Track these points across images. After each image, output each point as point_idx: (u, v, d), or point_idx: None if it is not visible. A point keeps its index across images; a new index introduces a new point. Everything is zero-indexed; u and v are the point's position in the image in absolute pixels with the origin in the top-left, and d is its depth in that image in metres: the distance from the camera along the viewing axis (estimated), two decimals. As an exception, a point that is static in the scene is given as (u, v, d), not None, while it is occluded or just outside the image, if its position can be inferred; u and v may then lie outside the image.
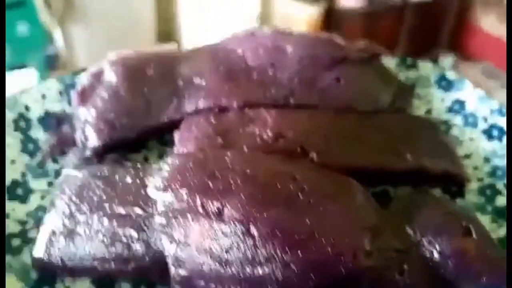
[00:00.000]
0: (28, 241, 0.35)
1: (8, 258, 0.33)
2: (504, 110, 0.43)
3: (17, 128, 0.40)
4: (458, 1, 1.47)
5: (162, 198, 0.30)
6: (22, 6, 1.24)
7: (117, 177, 0.33)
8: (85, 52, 0.35)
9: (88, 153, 0.38)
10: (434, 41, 1.48)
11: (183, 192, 0.30)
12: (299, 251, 0.29)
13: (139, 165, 0.33)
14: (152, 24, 1.51)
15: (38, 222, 0.36)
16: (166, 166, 0.32)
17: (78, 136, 0.38)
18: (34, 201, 0.38)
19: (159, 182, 0.31)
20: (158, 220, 0.30)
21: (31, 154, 0.40)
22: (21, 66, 1.23)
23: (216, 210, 0.29)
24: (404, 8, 1.46)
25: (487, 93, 0.44)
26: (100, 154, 0.38)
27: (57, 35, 1.39)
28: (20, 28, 1.25)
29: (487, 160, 0.42)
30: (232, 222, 0.29)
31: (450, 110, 0.45)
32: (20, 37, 1.26)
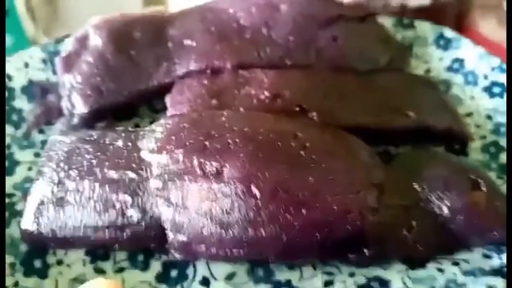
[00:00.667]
0: (16, 214, 0.33)
1: (-4, 232, 0.31)
2: (505, 67, 0.42)
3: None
4: (457, 6, 1.47)
5: (156, 161, 0.29)
6: (5, 17, 1.22)
7: (107, 140, 0.31)
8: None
9: (75, 120, 0.36)
10: None
11: (179, 153, 0.28)
12: (303, 210, 0.27)
13: (130, 129, 0.32)
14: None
15: (25, 194, 0.34)
16: (159, 127, 0.30)
17: (64, 104, 0.36)
18: (20, 172, 0.36)
19: (152, 144, 0.29)
20: (154, 183, 0.29)
21: (16, 125, 0.38)
22: None
23: (215, 171, 0.28)
24: (403, 13, 1.46)
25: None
26: (89, 122, 0.36)
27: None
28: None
29: (489, 117, 0.41)
30: (232, 182, 0.27)
31: (450, 69, 0.44)
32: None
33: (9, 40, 1.29)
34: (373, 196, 0.29)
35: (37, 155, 0.37)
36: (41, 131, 0.38)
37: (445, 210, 0.29)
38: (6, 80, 0.39)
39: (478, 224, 0.29)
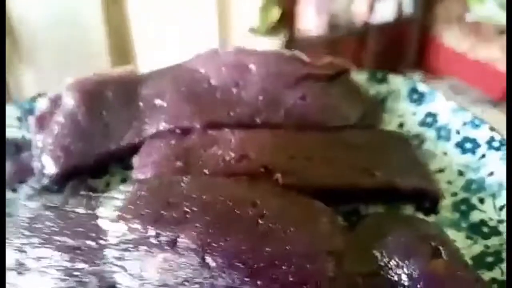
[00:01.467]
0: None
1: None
2: (477, 122, 0.42)
3: (-27, 157, 0.38)
4: (420, 19, 1.50)
5: (114, 229, 0.29)
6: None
7: (68, 207, 0.31)
8: (36, 90, 0.35)
9: (45, 181, 0.36)
10: (400, 61, 1.51)
11: (136, 222, 0.29)
12: (259, 281, 0.27)
13: (92, 194, 0.32)
14: (106, 57, 1.50)
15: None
16: (119, 194, 0.30)
17: (35, 164, 0.37)
18: (-10, 233, 0.36)
19: (110, 213, 0.30)
20: (111, 252, 0.29)
21: (-12, 184, 0.38)
22: None
23: (170, 241, 0.28)
24: (366, 31, 1.48)
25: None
26: (59, 182, 0.37)
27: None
28: None
29: (461, 173, 0.41)
30: (187, 253, 0.28)
31: (423, 123, 0.44)
32: None
33: None
34: (331, 265, 0.29)
35: (9, 215, 0.37)
36: (13, 190, 0.38)
37: (404, 278, 0.29)
38: (-19, 138, 0.39)
39: (437, 294, 0.29)
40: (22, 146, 0.40)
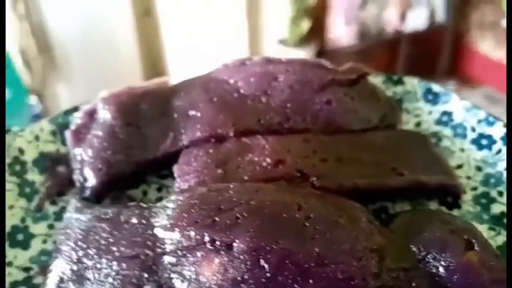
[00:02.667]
0: (34, 288, 0.35)
1: (15, 308, 0.33)
2: (491, 119, 0.44)
3: (12, 172, 0.40)
4: (453, 27, 1.51)
5: (170, 237, 0.31)
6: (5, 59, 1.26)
7: (122, 218, 0.33)
8: (71, 104, 0.37)
9: (87, 193, 0.37)
10: (432, 69, 1.50)
11: (191, 229, 0.30)
12: (310, 280, 0.29)
13: (143, 205, 0.33)
14: (139, 69, 1.54)
15: (42, 268, 0.36)
16: (171, 204, 0.32)
17: (76, 177, 0.38)
18: (35, 246, 0.37)
19: (165, 221, 0.31)
20: (168, 259, 0.30)
21: (29, 198, 0.39)
22: (6, 129, 1.23)
23: (225, 245, 0.30)
24: (399, 40, 1.48)
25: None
26: (100, 193, 0.38)
27: (42, 96, 1.41)
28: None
29: (479, 169, 0.43)
30: (241, 256, 0.29)
31: (439, 122, 0.47)
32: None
33: (8, 92, 1.33)
34: (374, 261, 0.30)
35: (50, 227, 0.38)
36: (53, 203, 0.40)
37: (442, 270, 0.31)
38: (18, 153, 0.41)
39: (473, 283, 0.31)
40: (57, 159, 0.41)
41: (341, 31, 1.40)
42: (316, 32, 1.38)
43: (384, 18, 1.46)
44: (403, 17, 1.45)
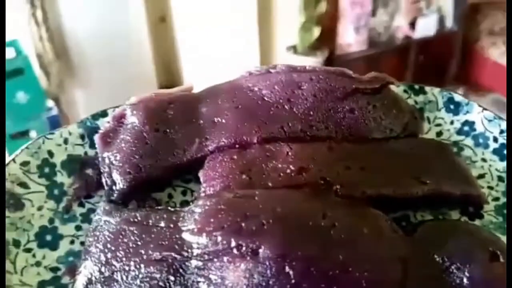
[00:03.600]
0: (62, 288, 0.36)
1: (43, 307, 0.34)
2: (514, 130, 0.44)
3: (42, 174, 0.41)
4: (463, 34, 1.50)
5: (196, 241, 0.31)
6: (21, 74, 1.31)
7: (150, 222, 0.33)
8: (88, 112, 0.38)
9: (115, 196, 0.38)
10: (442, 76, 1.50)
11: (218, 234, 0.31)
12: (334, 287, 0.29)
13: (171, 209, 0.34)
14: (153, 74, 1.58)
15: (69, 268, 0.37)
16: (198, 208, 0.33)
17: (104, 180, 0.39)
18: (63, 246, 0.38)
19: (192, 225, 0.32)
20: (195, 263, 0.31)
21: (57, 200, 0.40)
22: (23, 132, 1.26)
23: (251, 251, 0.30)
24: (408, 46, 1.48)
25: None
26: (127, 196, 0.39)
27: (58, 99, 1.45)
28: (19, 95, 1.30)
29: (501, 179, 0.43)
30: (267, 262, 0.30)
31: (460, 131, 0.47)
32: (20, 104, 1.31)
33: (25, 96, 1.36)
34: (399, 269, 0.31)
35: (78, 228, 0.39)
36: (80, 204, 0.41)
37: (466, 281, 0.31)
38: (48, 156, 0.42)
39: (498, 295, 0.31)
40: (85, 162, 0.42)
41: (351, 38, 1.41)
42: (326, 39, 1.39)
43: (394, 25, 1.46)
44: (413, 24, 1.45)
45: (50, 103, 1.45)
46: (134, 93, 0.43)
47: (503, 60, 1.34)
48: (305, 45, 1.39)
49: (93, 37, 1.49)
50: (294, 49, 1.41)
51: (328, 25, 1.38)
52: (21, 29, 1.36)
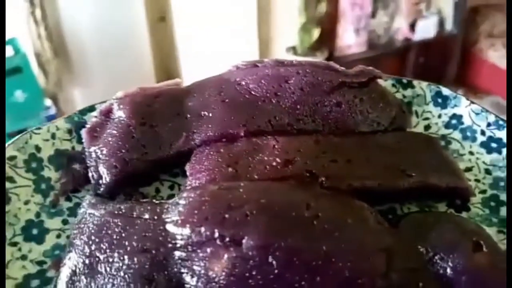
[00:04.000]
0: (47, 281, 0.36)
1: (29, 300, 0.34)
2: (501, 123, 0.44)
3: (29, 169, 0.41)
4: (462, 36, 1.50)
5: (180, 233, 0.31)
6: (19, 73, 1.30)
7: (134, 214, 0.33)
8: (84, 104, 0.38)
9: (102, 190, 0.38)
10: (441, 78, 1.50)
11: (201, 225, 0.31)
12: (317, 277, 0.29)
13: (155, 201, 0.34)
14: (152, 73, 1.57)
15: (55, 261, 0.37)
16: (182, 200, 0.33)
17: (91, 174, 0.39)
18: (49, 240, 0.38)
19: (176, 217, 0.32)
20: (178, 254, 0.31)
21: (44, 194, 0.40)
22: (21, 131, 1.25)
23: (234, 241, 0.30)
24: (408, 48, 1.49)
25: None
26: (114, 190, 0.39)
27: (56, 98, 1.44)
28: (17, 94, 1.29)
29: (488, 172, 0.43)
30: (250, 252, 0.30)
31: (448, 125, 0.47)
32: (18, 103, 1.30)
33: (23, 94, 1.35)
34: (382, 261, 0.31)
35: (65, 222, 0.39)
36: (68, 199, 0.41)
37: (449, 271, 0.32)
38: (35, 150, 0.42)
39: (481, 284, 0.31)
40: (73, 157, 0.42)
41: (350, 40, 1.41)
42: (326, 40, 1.39)
43: (394, 27, 1.46)
44: (413, 26, 1.46)
45: (48, 101, 1.45)
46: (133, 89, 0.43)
47: (502, 63, 1.34)
48: (304, 46, 1.39)
49: (92, 36, 1.48)
50: (293, 50, 1.42)
51: (328, 27, 1.38)
52: (20, 27, 1.36)
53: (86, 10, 1.45)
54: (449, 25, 1.51)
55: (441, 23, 1.50)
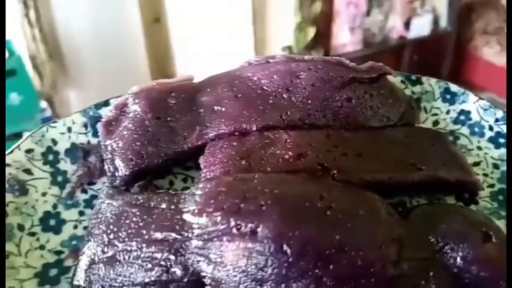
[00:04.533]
0: (65, 270, 0.37)
1: (46, 288, 0.35)
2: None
3: (46, 161, 0.42)
4: (457, 33, 1.51)
5: (197, 222, 0.32)
6: (13, 75, 1.28)
7: (152, 204, 0.34)
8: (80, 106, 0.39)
9: (118, 182, 0.39)
10: (437, 75, 1.51)
11: (217, 215, 0.32)
12: (330, 265, 0.30)
13: (172, 192, 0.35)
14: (148, 75, 1.56)
15: (72, 251, 0.38)
16: (199, 191, 0.34)
17: (107, 166, 0.40)
18: (66, 231, 0.39)
19: (193, 207, 0.33)
20: (195, 243, 0.32)
21: (61, 186, 0.41)
22: (16, 134, 1.25)
23: (250, 231, 0.31)
24: (403, 46, 1.49)
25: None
26: (129, 182, 0.40)
27: (52, 100, 1.43)
28: (12, 97, 1.29)
29: (496, 166, 0.44)
30: (265, 241, 0.31)
31: (456, 121, 0.47)
32: (13, 105, 1.30)
33: (18, 97, 1.34)
34: (393, 250, 0.32)
35: (81, 213, 0.40)
36: (83, 191, 0.42)
37: (459, 261, 0.32)
38: (51, 144, 0.43)
39: (490, 275, 0.32)
40: (88, 150, 0.43)
41: (346, 38, 1.42)
42: (321, 39, 1.40)
43: (388, 25, 1.47)
44: (407, 24, 1.47)
45: (43, 104, 1.44)
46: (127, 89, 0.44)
47: (496, 60, 1.35)
48: (300, 45, 1.40)
49: (86, 37, 1.48)
50: (289, 49, 1.42)
51: (323, 26, 1.39)
52: (14, 30, 1.35)
53: (81, 12, 1.45)
54: (443, 23, 1.51)
55: (436, 20, 1.51)
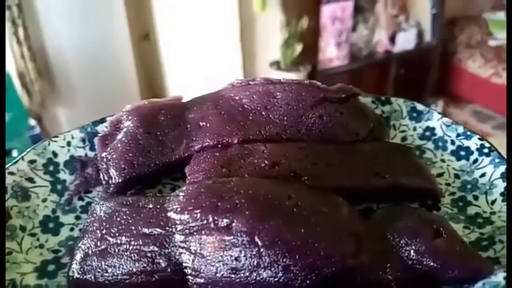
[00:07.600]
0: (62, 266, 0.40)
1: (45, 281, 0.39)
2: (469, 133, 0.50)
3: (46, 171, 0.46)
4: (441, 47, 1.57)
5: (180, 219, 0.36)
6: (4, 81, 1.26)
7: (140, 204, 0.39)
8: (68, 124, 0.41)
9: (111, 189, 0.44)
10: (422, 88, 1.56)
11: (197, 212, 0.36)
12: (296, 256, 0.34)
13: (158, 195, 0.39)
14: (137, 91, 1.57)
15: (68, 250, 0.42)
16: (182, 192, 0.38)
17: (102, 175, 0.45)
18: (64, 232, 0.43)
19: (176, 206, 0.37)
20: (177, 237, 0.36)
21: (60, 194, 0.46)
22: (6, 151, 1.25)
23: (226, 226, 0.35)
24: (389, 60, 1.55)
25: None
26: (122, 190, 0.44)
27: (41, 118, 1.43)
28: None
29: (457, 176, 0.48)
30: (239, 235, 0.35)
31: (422, 136, 0.52)
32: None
33: (7, 115, 1.32)
34: (352, 243, 0.36)
35: (77, 218, 0.45)
36: (80, 198, 0.46)
37: (413, 254, 0.36)
38: (52, 156, 0.47)
39: (440, 265, 0.36)
40: (85, 162, 0.48)
41: (332, 53, 1.46)
42: (308, 55, 1.44)
43: (374, 39, 1.52)
44: (392, 38, 1.52)
45: (32, 121, 1.44)
46: (117, 110, 0.49)
47: (480, 72, 1.39)
48: (287, 61, 1.44)
49: (75, 55, 1.47)
50: (277, 65, 1.46)
51: (310, 41, 1.43)
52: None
53: (69, 29, 1.44)
54: (428, 37, 1.57)
55: (420, 34, 1.56)
